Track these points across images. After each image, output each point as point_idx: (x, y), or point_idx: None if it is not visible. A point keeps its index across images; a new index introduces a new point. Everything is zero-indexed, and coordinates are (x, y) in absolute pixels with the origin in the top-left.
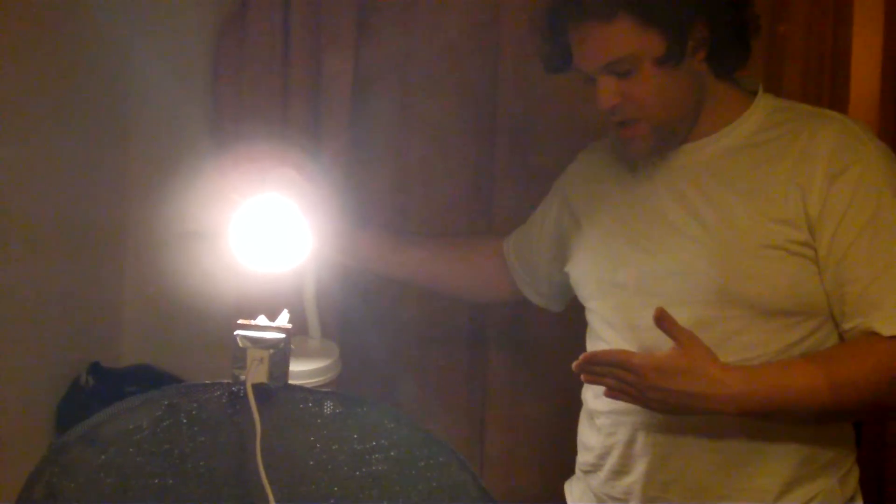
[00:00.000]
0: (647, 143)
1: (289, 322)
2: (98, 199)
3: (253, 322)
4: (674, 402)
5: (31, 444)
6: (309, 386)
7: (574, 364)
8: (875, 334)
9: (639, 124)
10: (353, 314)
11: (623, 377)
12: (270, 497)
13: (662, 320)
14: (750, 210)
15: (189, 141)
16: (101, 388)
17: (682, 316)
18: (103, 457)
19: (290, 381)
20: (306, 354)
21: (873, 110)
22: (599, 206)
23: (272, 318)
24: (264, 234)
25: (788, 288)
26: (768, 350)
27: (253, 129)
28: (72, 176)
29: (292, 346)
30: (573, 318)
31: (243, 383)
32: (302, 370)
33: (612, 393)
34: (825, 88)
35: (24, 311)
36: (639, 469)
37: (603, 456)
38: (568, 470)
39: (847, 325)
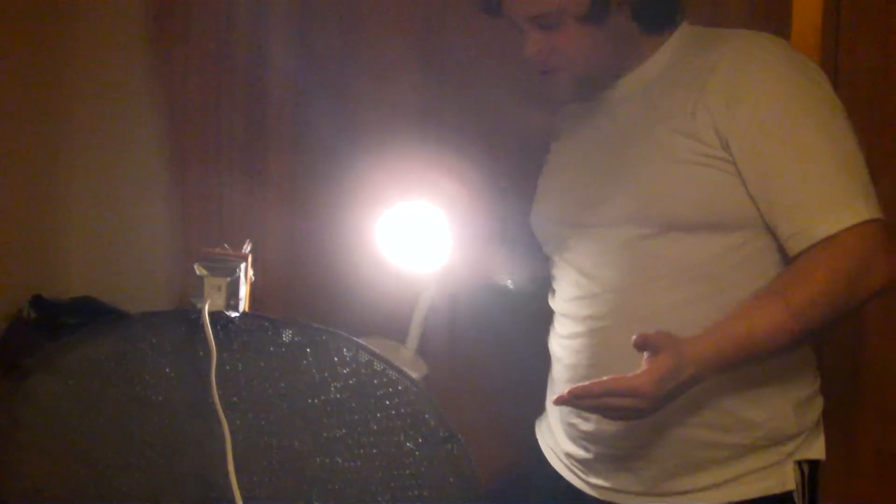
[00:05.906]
0: (565, 90)
1: (250, 250)
2: (38, 120)
3: (211, 250)
4: (674, 397)
5: None
6: None
7: (554, 399)
8: (814, 246)
9: (560, 73)
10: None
11: (622, 404)
12: (224, 424)
13: (641, 344)
14: (664, 129)
15: (131, 65)
16: (43, 320)
17: (610, 238)
18: (65, 384)
19: None
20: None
21: (816, 46)
22: (557, 147)
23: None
24: (409, 236)
25: (702, 201)
26: (697, 262)
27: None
28: (6, 90)
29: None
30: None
31: (201, 311)
32: None
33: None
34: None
35: None
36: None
37: (571, 368)
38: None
39: (785, 236)
